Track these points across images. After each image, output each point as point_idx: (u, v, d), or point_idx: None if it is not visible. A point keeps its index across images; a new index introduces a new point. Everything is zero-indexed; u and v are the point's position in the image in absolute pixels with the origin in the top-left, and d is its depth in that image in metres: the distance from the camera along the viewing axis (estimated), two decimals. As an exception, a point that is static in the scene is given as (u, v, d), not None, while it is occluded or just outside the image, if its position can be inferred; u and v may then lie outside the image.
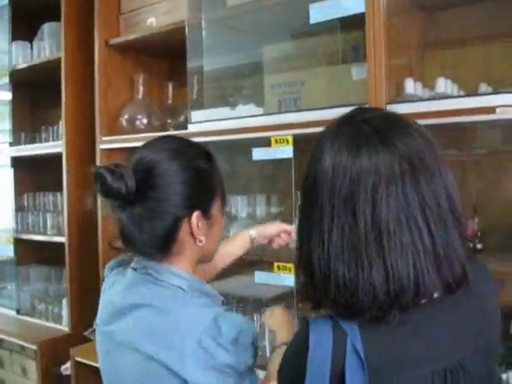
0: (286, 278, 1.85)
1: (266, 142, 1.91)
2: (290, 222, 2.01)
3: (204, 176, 1.18)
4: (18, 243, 2.92)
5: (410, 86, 1.74)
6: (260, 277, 1.92)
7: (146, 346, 1.10)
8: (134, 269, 1.19)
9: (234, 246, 1.70)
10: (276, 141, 1.86)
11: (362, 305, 0.81)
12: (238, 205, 2.13)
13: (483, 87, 1.76)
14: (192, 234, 1.15)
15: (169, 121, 2.46)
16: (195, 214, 1.14)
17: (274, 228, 1.72)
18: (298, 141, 1.85)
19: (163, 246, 1.15)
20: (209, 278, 1.65)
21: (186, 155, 1.17)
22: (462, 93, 1.80)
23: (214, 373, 1.04)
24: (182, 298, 1.14)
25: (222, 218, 1.26)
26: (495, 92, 1.63)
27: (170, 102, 2.53)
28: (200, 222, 1.15)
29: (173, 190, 1.12)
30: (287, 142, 1.84)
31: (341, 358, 0.79)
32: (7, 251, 2.92)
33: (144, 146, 1.20)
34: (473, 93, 1.77)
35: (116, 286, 1.22)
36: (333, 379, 0.79)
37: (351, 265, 0.81)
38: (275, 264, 1.87)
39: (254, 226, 2.09)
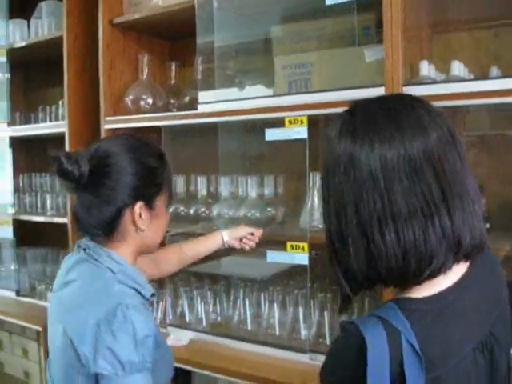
0: (299, 256, 1.88)
1: (277, 123, 1.92)
2: (302, 202, 2.05)
3: (152, 172, 1.31)
4: (16, 225, 2.88)
5: (425, 68, 1.76)
6: (272, 256, 1.95)
7: (65, 319, 1.24)
8: (84, 248, 1.31)
9: (201, 248, 1.84)
10: (290, 121, 1.88)
11: (432, 252, 0.83)
12: (248, 185, 2.14)
13: (494, 70, 1.80)
14: (134, 222, 1.28)
15: (172, 101, 2.45)
16: (138, 205, 1.27)
17: (244, 230, 1.84)
18: (311, 122, 1.87)
19: (108, 230, 1.27)
20: (162, 274, 1.86)
21: (139, 151, 1.30)
22: (471, 76, 1.84)
23: (98, 355, 1.14)
24: (107, 279, 1.25)
25: (167, 214, 1.39)
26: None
27: (172, 82, 2.52)
28: (143, 212, 1.28)
29: (122, 179, 1.25)
30: (302, 122, 1.86)
31: (398, 356, 0.80)
32: (5, 233, 2.88)
33: (102, 140, 1.37)
34: (483, 76, 1.81)
35: (67, 261, 1.35)
36: (393, 379, 0.80)
37: (419, 225, 0.83)
38: (288, 243, 1.90)
39: (261, 207, 2.13)
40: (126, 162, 1.26)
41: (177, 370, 2.10)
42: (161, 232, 1.39)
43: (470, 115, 1.94)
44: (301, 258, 1.87)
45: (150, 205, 1.30)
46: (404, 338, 0.80)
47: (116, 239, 1.29)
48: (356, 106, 0.93)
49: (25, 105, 3.25)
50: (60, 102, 2.69)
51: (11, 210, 2.94)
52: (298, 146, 2.06)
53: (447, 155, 0.86)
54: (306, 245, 1.87)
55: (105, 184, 1.24)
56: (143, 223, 1.29)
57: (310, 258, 1.88)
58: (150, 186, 1.30)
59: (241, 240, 1.83)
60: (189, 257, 1.83)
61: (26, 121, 3.01)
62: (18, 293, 2.87)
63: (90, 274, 1.28)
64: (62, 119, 2.61)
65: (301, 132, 1.86)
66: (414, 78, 1.78)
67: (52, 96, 3.05)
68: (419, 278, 0.85)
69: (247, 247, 1.83)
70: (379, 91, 1.70)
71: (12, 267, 3.02)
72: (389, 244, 0.84)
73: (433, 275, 0.85)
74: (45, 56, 2.85)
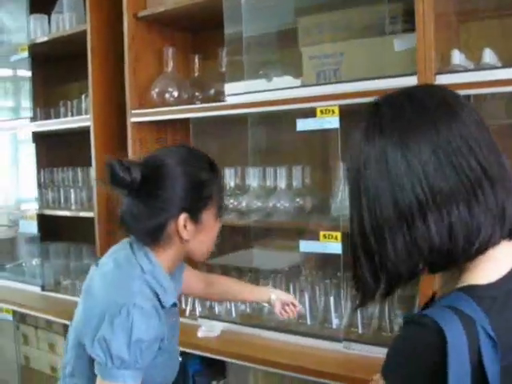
0: (332, 246, 1.89)
1: (306, 113, 1.93)
2: (331, 192, 2.06)
3: (201, 185, 1.34)
4: (40, 219, 2.90)
5: (457, 56, 1.77)
6: (305, 245, 1.95)
7: (86, 298, 1.37)
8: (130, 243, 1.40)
9: (248, 295, 1.87)
10: (321, 111, 1.88)
11: (479, 224, 0.83)
12: (276, 176, 2.15)
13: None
14: (178, 233, 1.32)
15: (197, 94, 2.46)
16: (182, 216, 1.30)
17: (289, 297, 1.83)
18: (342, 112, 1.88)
19: (153, 238, 1.33)
20: (197, 295, 2.01)
21: (191, 164, 1.34)
22: (500, 64, 1.83)
23: (96, 341, 1.24)
24: (133, 275, 1.31)
25: (216, 226, 1.42)
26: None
27: (196, 75, 2.53)
28: (188, 224, 1.32)
29: (170, 191, 1.29)
30: (333, 112, 1.86)
31: (475, 346, 0.78)
32: (29, 227, 2.90)
33: (157, 150, 1.44)
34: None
35: (120, 243, 1.45)
36: (473, 371, 0.78)
37: (463, 201, 0.84)
38: (321, 233, 1.90)
39: (290, 197, 2.13)
40: (177, 173, 1.30)
41: (210, 360, 2.14)
42: (207, 243, 1.41)
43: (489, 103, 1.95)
44: (334, 247, 1.88)
45: (195, 218, 1.33)
46: (480, 328, 0.79)
47: (160, 246, 1.35)
48: (380, 101, 0.93)
49: (45, 100, 3.26)
50: (82, 96, 2.70)
51: (29, 206, 2.96)
52: (326, 137, 2.08)
53: (481, 136, 0.87)
54: (339, 234, 1.87)
55: (155, 194, 1.30)
56: (187, 234, 1.33)
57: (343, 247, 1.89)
58: (198, 199, 1.33)
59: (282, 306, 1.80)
60: (234, 297, 1.93)
61: (46, 116, 3.00)
62: (42, 288, 2.88)
63: (121, 264, 1.35)
64: (85, 113, 2.62)
65: (332, 122, 1.86)
66: (445, 67, 1.78)
67: (72, 91, 3.06)
68: (469, 253, 0.85)
69: (285, 316, 1.80)
70: (411, 80, 1.70)
71: (36, 262, 3.03)
72: (432, 225, 0.84)
73: (482, 249, 0.85)
74: (66, 51, 2.85)
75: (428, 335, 0.81)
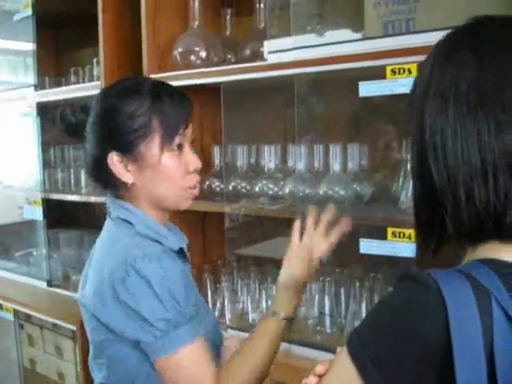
0: (402, 247, 1.46)
1: (369, 75, 1.50)
2: (398, 177, 1.63)
3: (130, 116, 1.14)
4: (46, 204, 2.51)
5: None
6: (367, 246, 1.53)
7: (87, 281, 1.19)
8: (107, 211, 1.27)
9: None
10: (393, 71, 1.44)
11: None
12: (330, 156, 1.71)
13: None
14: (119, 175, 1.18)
15: (229, 56, 2.04)
16: (110, 155, 1.15)
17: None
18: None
19: (108, 185, 1.21)
20: None
21: (114, 96, 1.17)
22: None
23: (117, 310, 1.07)
24: (123, 234, 1.16)
25: (167, 160, 1.17)
26: None
27: (228, 33, 2.11)
28: (127, 163, 1.16)
29: (95, 129, 1.17)
30: (409, 71, 1.43)
31: (488, 326, 0.64)
32: (34, 213, 2.52)
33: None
34: None
35: None
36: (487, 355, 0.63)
37: None
38: (389, 229, 1.48)
39: (346, 183, 1.71)
40: (95, 111, 1.18)
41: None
42: (169, 182, 1.19)
43: None
44: (405, 248, 1.45)
45: (130, 154, 1.15)
46: (495, 303, 0.65)
47: (126, 195, 1.21)
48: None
49: (55, 68, 2.87)
50: (94, 61, 2.30)
51: (39, 189, 2.58)
52: (393, 105, 1.66)
53: None
54: (412, 232, 1.44)
55: (85, 136, 1.20)
56: (125, 175, 1.16)
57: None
58: (127, 133, 1.14)
59: None
60: None
61: (57, 85, 2.61)
62: (49, 283, 2.51)
63: (109, 232, 1.21)
64: (98, 80, 2.22)
65: (408, 84, 1.42)
66: None
67: (86, 56, 2.65)
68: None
69: None
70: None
71: (42, 253, 2.65)
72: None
73: None
74: (75, 11, 2.45)
75: (424, 298, 0.67)
